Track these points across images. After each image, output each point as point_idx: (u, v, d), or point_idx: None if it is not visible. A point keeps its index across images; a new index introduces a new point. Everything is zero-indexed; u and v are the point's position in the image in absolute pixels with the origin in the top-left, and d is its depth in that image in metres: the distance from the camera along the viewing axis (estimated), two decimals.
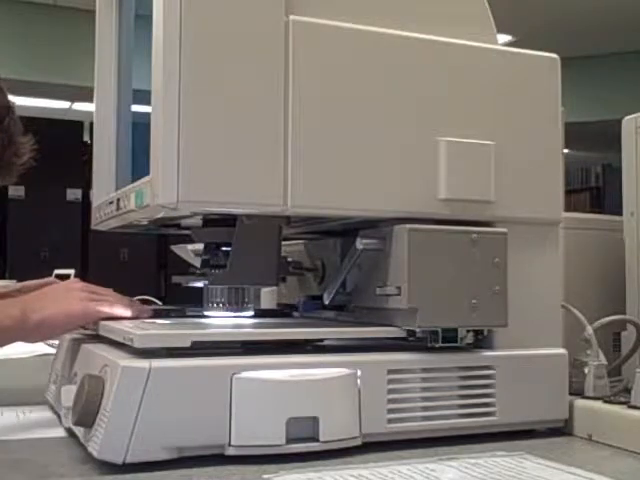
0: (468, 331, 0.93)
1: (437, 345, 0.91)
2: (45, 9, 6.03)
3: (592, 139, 7.12)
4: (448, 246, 0.90)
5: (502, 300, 0.92)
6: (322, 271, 1.11)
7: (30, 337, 0.98)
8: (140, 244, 4.34)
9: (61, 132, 4.15)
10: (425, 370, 0.90)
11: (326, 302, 1.00)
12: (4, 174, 1.29)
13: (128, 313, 0.98)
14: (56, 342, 1.17)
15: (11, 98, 1.29)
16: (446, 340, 0.91)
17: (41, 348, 1.75)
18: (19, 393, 1.19)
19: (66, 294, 0.98)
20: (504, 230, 0.94)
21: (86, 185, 4.16)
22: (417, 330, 0.90)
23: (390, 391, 0.87)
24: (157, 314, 1.03)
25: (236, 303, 1.00)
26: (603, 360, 1.01)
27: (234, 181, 0.84)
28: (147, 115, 0.86)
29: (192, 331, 0.85)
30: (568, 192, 5.75)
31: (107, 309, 0.97)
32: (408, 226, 0.89)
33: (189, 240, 1.13)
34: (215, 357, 0.82)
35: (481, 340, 0.95)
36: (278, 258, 0.93)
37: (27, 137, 1.29)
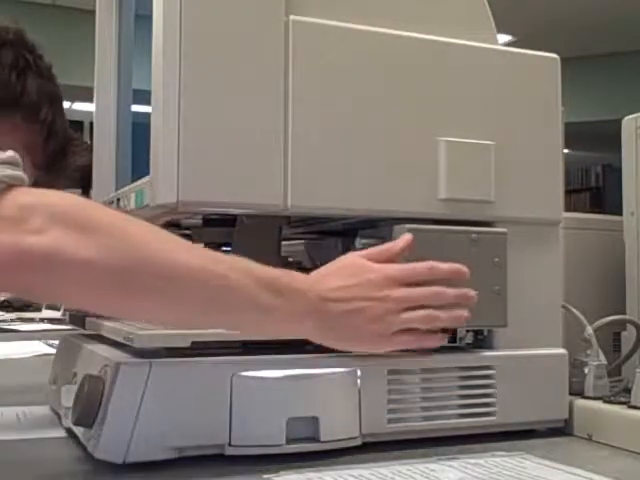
0: (468, 331, 0.93)
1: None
2: (45, 9, 6.03)
3: (592, 139, 7.13)
4: (447, 246, 0.90)
5: (502, 300, 0.92)
6: None
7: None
8: None
9: None
10: (425, 370, 0.90)
11: None
12: (54, 176, 1.15)
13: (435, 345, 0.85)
14: (56, 342, 1.17)
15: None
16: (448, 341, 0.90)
17: (41, 348, 1.75)
18: (19, 393, 1.19)
19: (382, 314, 0.79)
20: (504, 230, 0.94)
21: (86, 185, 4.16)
22: None
23: (390, 391, 0.87)
24: None
25: None
26: (603, 360, 1.01)
27: (234, 181, 0.84)
28: (147, 115, 0.86)
29: (192, 331, 0.85)
30: (568, 192, 5.75)
31: (414, 345, 0.83)
32: (407, 226, 0.89)
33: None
34: (215, 357, 0.82)
35: (481, 340, 0.95)
36: (278, 258, 0.93)
37: (77, 136, 1.19)
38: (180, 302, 0.73)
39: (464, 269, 0.85)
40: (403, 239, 0.86)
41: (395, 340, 0.81)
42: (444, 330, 0.85)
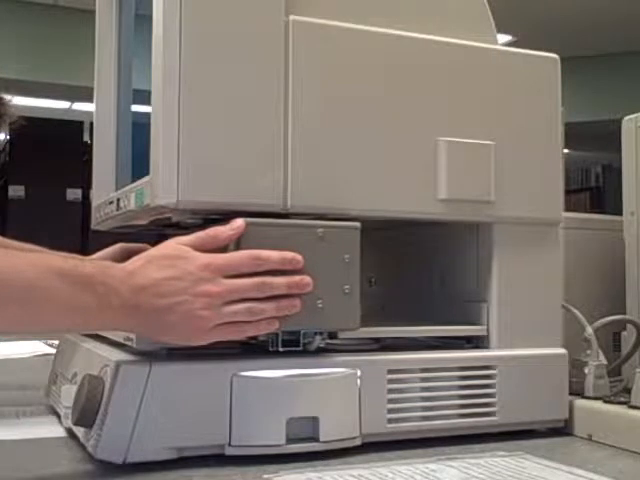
0: (316, 334, 0.85)
1: (281, 349, 0.83)
2: (45, 9, 6.03)
3: (592, 139, 7.12)
4: (291, 242, 0.82)
5: (353, 301, 0.84)
6: None
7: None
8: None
9: (61, 132, 4.15)
10: (425, 370, 0.90)
11: None
12: None
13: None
14: (56, 342, 1.17)
15: None
16: (291, 344, 0.84)
17: (41, 348, 1.75)
18: (19, 393, 1.19)
19: (199, 310, 0.75)
20: (356, 224, 0.86)
21: (86, 185, 4.16)
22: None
23: (390, 391, 0.87)
24: None
25: None
26: (603, 360, 1.01)
27: (234, 181, 0.84)
28: (147, 115, 0.86)
29: None
30: (568, 192, 5.74)
31: (236, 336, 0.79)
32: (246, 219, 0.81)
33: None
34: (215, 357, 0.82)
35: (333, 343, 0.89)
36: None
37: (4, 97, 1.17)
38: None
39: (297, 257, 0.80)
40: (232, 225, 0.80)
41: (215, 333, 0.77)
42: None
